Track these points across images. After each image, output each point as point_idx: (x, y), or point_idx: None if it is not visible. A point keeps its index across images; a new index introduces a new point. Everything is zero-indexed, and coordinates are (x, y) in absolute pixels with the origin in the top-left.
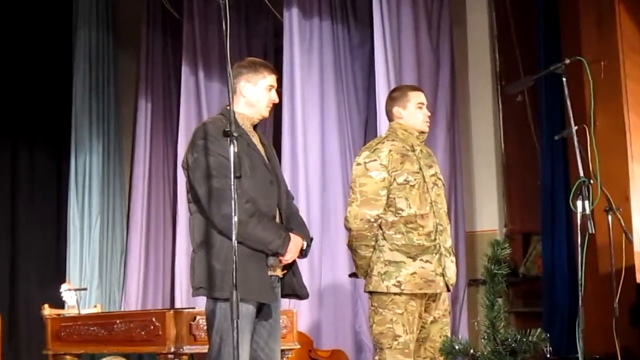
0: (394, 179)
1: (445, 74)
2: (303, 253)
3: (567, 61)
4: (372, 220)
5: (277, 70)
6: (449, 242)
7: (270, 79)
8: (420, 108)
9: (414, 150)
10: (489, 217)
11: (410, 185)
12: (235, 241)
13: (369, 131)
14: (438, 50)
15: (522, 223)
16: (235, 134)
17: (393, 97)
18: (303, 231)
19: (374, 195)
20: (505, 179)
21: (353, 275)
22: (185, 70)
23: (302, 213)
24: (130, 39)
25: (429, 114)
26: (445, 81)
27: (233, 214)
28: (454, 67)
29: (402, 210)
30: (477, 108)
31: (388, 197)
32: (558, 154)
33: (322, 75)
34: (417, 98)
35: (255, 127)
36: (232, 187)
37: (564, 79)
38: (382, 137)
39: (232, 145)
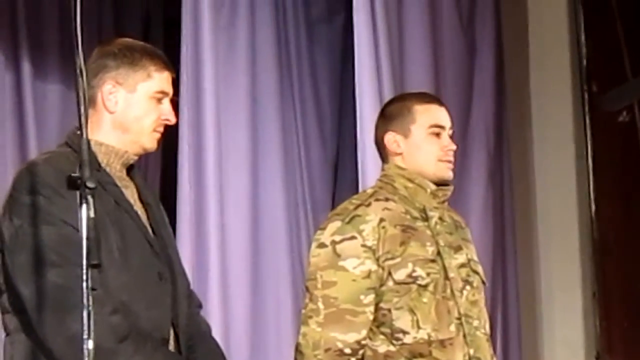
0: (389, 275)
1: (485, 70)
2: None
3: None
4: (349, 351)
5: (172, 60)
6: None
7: (161, 79)
8: (437, 135)
9: (426, 219)
10: (568, 342)
11: (420, 286)
12: None
13: (342, 179)
14: (472, 30)
15: (628, 350)
16: (90, 184)
17: (386, 115)
18: None
19: (350, 304)
20: (597, 268)
21: None
22: None
23: (217, 328)
24: None
25: (454, 147)
26: (485, 84)
27: (86, 336)
28: (501, 60)
29: (405, 333)
30: (547, 134)
31: (377, 309)
32: None
33: (253, 71)
34: (430, 116)
35: (130, 169)
36: (85, 284)
37: None
38: (366, 192)
39: (84, 206)
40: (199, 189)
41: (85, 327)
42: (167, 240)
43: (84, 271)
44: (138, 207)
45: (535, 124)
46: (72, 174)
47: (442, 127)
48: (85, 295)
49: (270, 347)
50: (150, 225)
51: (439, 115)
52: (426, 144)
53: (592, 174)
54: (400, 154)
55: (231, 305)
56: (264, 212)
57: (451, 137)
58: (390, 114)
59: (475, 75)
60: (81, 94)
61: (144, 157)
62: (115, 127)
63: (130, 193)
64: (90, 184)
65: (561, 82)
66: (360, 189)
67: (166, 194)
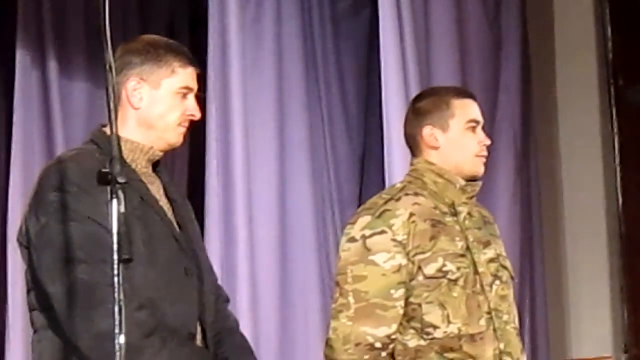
0: (419, 269)
1: (511, 65)
2: None
3: None
4: (379, 346)
5: (197, 58)
6: None
7: (185, 75)
8: (474, 130)
9: (455, 214)
10: (596, 336)
11: (450, 281)
12: None
13: (368, 174)
14: (497, 24)
15: None
16: (121, 180)
17: (421, 110)
18: None
19: (380, 298)
20: (625, 263)
21: None
22: (21, 59)
23: (245, 321)
24: None
25: (489, 142)
26: (511, 78)
27: (117, 331)
28: (527, 55)
29: (435, 327)
30: (573, 128)
31: (407, 303)
32: None
33: (279, 68)
34: (468, 110)
35: (155, 165)
36: (116, 279)
37: None
38: (396, 187)
39: (115, 201)
40: (227, 185)
41: (117, 322)
42: (193, 235)
43: (115, 266)
44: (164, 203)
45: (561, 118)
46: (103, 169)
47: (478, 122)
48: (116, 289)
49: (299, 342)
50: (177, 221)
51: (475, 110)
52: (465, 138)
53: (619, 168)
54: (438, 147)
55: (260, 300)
56: (291, 207)
57: (483, 130)
58: (427, 109)
59: (501, 70)
60: (110, 90)
61: (171, 153)
62: (140, 123)
63: (156, 189)
64: (120, 179)
65: (587, 76)
66: (387, 185)
67: (194, 191)
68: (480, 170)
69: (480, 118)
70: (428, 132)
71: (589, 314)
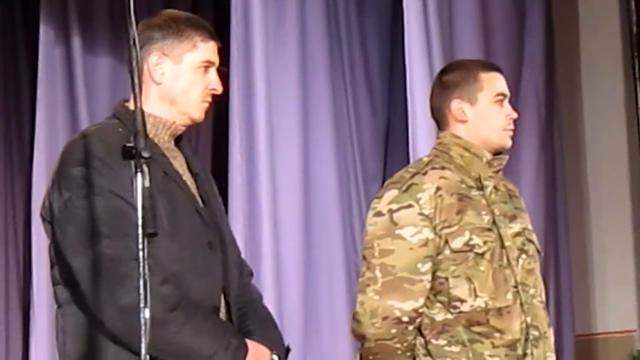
0: (446, 243)
1: (535, 38)
2: None
3: None
4: (406, 319)
5: (220, 34)
6: None
7: (206, 49)
8: (501, 103)
9: (481, 188)
10: (622, 310)
11: (477, 255)
12: (146, 356)
13: (392, 148)
14: None
15: None
16: (145, 154)
17: (449, 83)
18: (271, 336)
19: (407, 272)
20: None
21: None
22: (45, 35)
23: (269, 296)
24: None
25: (516, 116)
26: (534, 51)
27: (141, 305)
28: (551, 28)
29: (462, 301)
30: (597, 101)
31: (434, 277)
32: None
33: (303, 42)
34: (495, 84)
35: (178, 140)
36: (141, 254)
37: None
38: (422, 161)
39: (138, 176)
40: (251, 160)
41: (142, 296)
42: (216, 210)
43: (140, 240)
44: (187, 178)
45: (585, 91)
46: (127, 144)
47: (505, 95)
48: (142, 264)
49: (324, 316)
50: (200, 195)
51: (502, 83)
52: (493, 112)
53: None
54: (466, 121)
55: (284, 274)
56: (315, 182)
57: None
58: (455, 82)
59: (525, 43)
60: (134, 65)
61: (195, 129)
62: (163, 98)
63: (179, 164)
64: (145, 154)
65: (611, 49)
66: (411, 158)
67: (218, 166)
68: (507, 143)
69: (507, 91)
70: (456, 105)
71: (614, 287)
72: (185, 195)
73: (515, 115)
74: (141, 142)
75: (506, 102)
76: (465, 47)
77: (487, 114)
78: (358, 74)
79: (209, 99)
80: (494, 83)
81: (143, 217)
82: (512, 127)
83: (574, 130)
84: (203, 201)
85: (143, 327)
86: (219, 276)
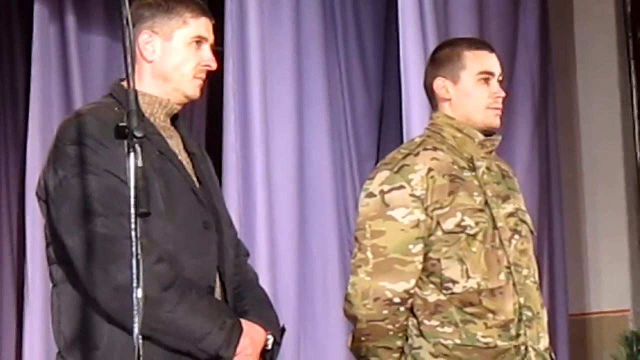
0: (437, 224)
1: (529, 18)
2: (267, 357)
3: None
4: (398, 300)
5: (215, 13)
6: (543, 342)
7: (197, 25)
8: (486, 82)
9: (474, 169)
10: (615, 290)
11: (469, 236)
12: (139, 336)
13: (386, 128)
14: None
15: None
16: (138, 134)
17: (435, 61)
18: (266, 316)
19: (399, 253)
20: None
21: None
22: (39, 13)
23: (264, 277)
24: None
25: (503, 94)
26: (529, 31)
27: (134, 285)
28: (545, 8)
29: (454, 282)
30: (591, 81)
31: (426, 258)
32: None
33: (297, 22)
34: (480, 62)
35: (174, 119)
36: (133, 233)
37: None
38: (414, 141)
39: (132, 155)
40: (245, 139)
41: (135, 276)
42: (212, 189)
43: (132, 219)
44: (183, 157)
45: (580, 71)
46: (120, 124)
47: (491, 73)
48: (134, 243)
49: (317, 296)
50: (196, 174)
51: (489, 61)
52: (475, 90)
53: (638, 121)
54: (449, 99)
55: (278, 254)
56: (309, 161)
57: (500, 83)
58: (440, 59)
59: (519, 22)
60: (127, 44)
61: (190, 107)
62: (156, 76)
63: (175, 143)
64: (138, 133)
65: (606, 29)
66: (405, 138)
67: (212, 145)
68: (494, 122)
69: (494, 69)
70: (440, 83)
71: (608, 267)
72: (181, 175)
73: (502, 94)
74: (134, 122)
75: (493, 81)
76: (460, 27)
77: (468, 93)
78: (352, 54)
79: (203, 75)
80: (479, 61)
81: (136, 197)
82: (497, 105)
83: (568, 110)
84: (199, 181)
85: (135, 307)
86: (214, 256)
